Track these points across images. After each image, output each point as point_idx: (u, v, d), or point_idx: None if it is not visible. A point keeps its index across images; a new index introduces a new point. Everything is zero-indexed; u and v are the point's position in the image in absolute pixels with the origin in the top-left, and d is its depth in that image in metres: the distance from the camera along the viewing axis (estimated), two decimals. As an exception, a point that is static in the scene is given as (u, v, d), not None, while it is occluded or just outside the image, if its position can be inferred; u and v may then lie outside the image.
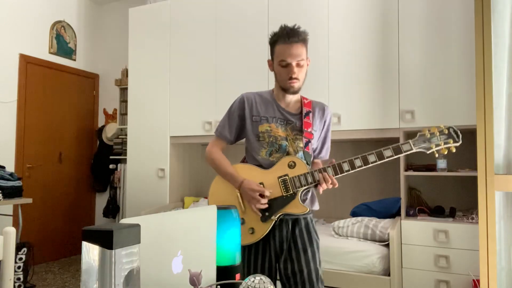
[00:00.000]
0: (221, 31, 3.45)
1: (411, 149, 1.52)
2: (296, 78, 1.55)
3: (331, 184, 1.53)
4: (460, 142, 1.52)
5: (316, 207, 1.69)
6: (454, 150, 1.52)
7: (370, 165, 1.52)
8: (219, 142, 1.70)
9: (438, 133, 1.53)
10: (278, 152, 1.59)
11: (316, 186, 1.56)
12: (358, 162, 1.52)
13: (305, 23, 3.08)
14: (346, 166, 1.53)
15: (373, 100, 2.86)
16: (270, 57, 1.65)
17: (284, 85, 1.59)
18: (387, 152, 1.52)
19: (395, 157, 1.52)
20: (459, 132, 1.53)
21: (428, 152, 1.54)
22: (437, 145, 1.52)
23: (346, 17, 2.97)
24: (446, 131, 1.53)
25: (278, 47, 1.56)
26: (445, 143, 1.52)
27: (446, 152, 1.54)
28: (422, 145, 1.53)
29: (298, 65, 1.54)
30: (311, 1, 3.10)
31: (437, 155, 1.56)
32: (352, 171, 1.53)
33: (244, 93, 1.70)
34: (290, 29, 1.54)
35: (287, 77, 1.56)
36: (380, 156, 1.52)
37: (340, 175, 1.54)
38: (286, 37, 1.53)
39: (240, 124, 1.68)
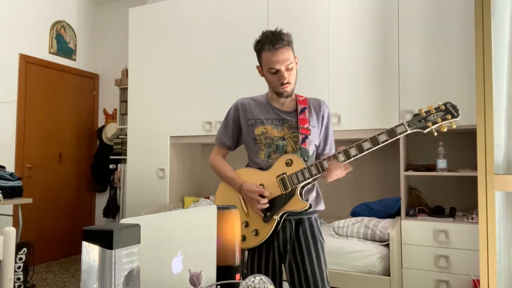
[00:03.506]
0: (221, 31, 3.45)
1: (406, 130, 1.46)
2: (288, 83, 1.57)
3: (343, 171, 1.53)
4: (460, 116, 1.43)
5: (321, 207, 1.69)
6: (454, 126, 1.45)
7: (366, 152, 1.49)
8: (220, 150, 1.75)
9: (434, 111, 1.45)
10: (276, 152, 1.61)
11: (315, 179, 1.56)
12: (353, 151, 1.51)
13: (305, 23, 3.08)
14: (341, 157, 1.51)
15: (373, 100, 2.86)
16: (258, 63, 1.64)
17: (277, 90, 1.60)
18: (382, 137, 1.47)
19: (390, 140, 1.46)
20: (457, 106, 1.44)
21: (425, 132, 1.46)
22: (434, 123, 1.44)
23: (346, 17, 2.97)
24: (443, 107, 1.44)
25: (265, 55, 1.56)
26: (443, 120, 1.44)
27: (445, 130, 1.44)
28: (418, 124, 1.46)
29: (287, 69, 1.55)
30: (311, 1, 3.10)
31: (435, 134, 1.48)
32: (348, 160, 1.51)
33: (239, 99, 1.72)
34: (272, 35, 1.54)
35: (279, 83, 1.57)
36: (375, 142, 1.48)
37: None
38: (271, 44, 1.52)
39: (237, 130, 1.71)
